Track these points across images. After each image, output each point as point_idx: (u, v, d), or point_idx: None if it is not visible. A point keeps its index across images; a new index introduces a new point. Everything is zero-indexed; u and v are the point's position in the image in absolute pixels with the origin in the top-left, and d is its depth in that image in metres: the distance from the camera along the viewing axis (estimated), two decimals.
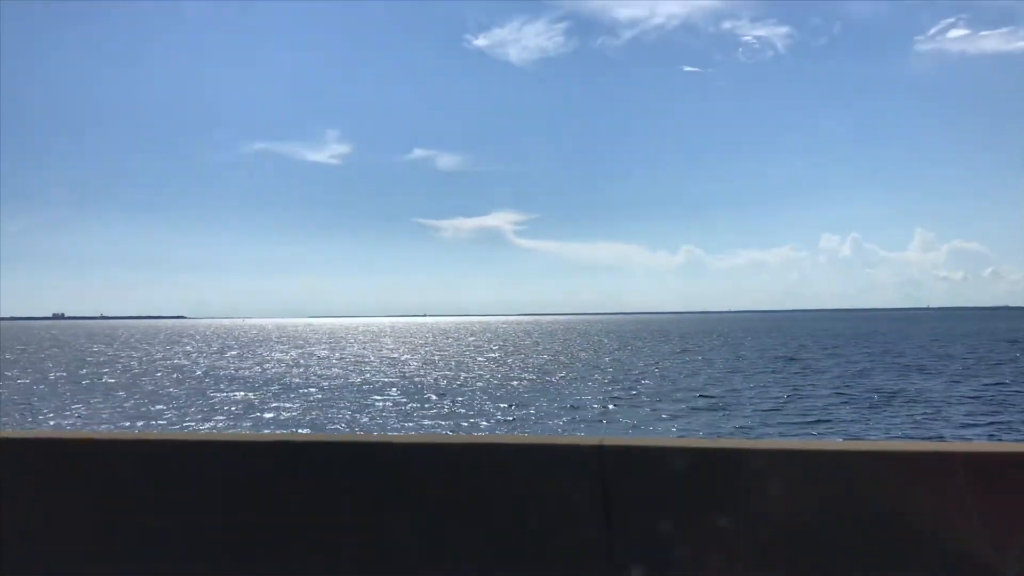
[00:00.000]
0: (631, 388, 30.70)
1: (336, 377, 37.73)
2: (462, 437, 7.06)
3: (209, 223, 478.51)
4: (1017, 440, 18.33)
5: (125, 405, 26.57)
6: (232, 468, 2.92)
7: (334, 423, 22.38)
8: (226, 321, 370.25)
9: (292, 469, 2.90)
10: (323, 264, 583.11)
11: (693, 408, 24.63)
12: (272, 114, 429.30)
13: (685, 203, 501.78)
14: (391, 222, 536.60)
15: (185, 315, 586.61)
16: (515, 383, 33.44)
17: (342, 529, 2.82)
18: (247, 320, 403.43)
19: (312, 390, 31.08)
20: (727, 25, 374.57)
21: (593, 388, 30.97)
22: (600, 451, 2.67)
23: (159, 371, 42.75)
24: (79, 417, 24.00)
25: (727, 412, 23.65)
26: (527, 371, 40.50)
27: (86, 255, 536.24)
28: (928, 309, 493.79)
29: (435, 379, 35.93)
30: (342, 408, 25.50)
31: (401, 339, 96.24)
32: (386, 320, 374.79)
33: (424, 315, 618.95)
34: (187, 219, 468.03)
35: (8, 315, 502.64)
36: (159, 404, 26.94)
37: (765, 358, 47.48)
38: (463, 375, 38.19)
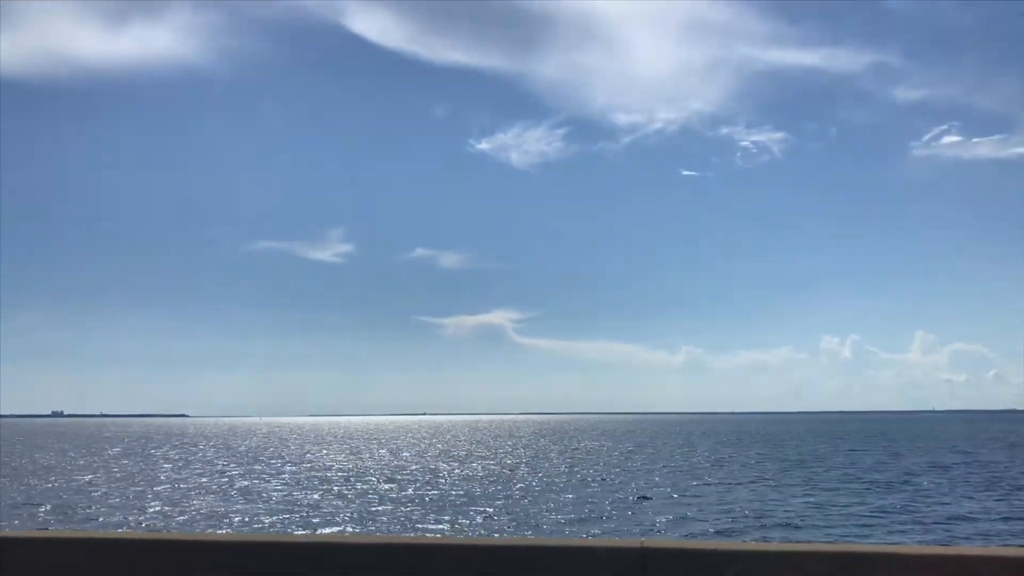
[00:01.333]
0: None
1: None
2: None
3: (211, 320, 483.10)
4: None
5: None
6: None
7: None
8: (229, 420, 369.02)
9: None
10: (324, 362, 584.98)
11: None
12: (276, 213, 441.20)
13: (684, 303, 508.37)
14: (393, 320, 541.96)
15: (187, 413, 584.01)
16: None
17: None
18: (261, 419, 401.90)
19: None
20: (724, 131, 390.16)
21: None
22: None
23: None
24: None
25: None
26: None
27: (86, 352, 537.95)
28: (935, 412, 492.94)
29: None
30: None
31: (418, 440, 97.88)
32: (385, 419, 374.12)
33: (424, 413, 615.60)
34: (189, 316, 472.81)
35: (6, 412, 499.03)
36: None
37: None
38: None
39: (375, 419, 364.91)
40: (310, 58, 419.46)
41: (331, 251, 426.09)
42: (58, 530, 14.68)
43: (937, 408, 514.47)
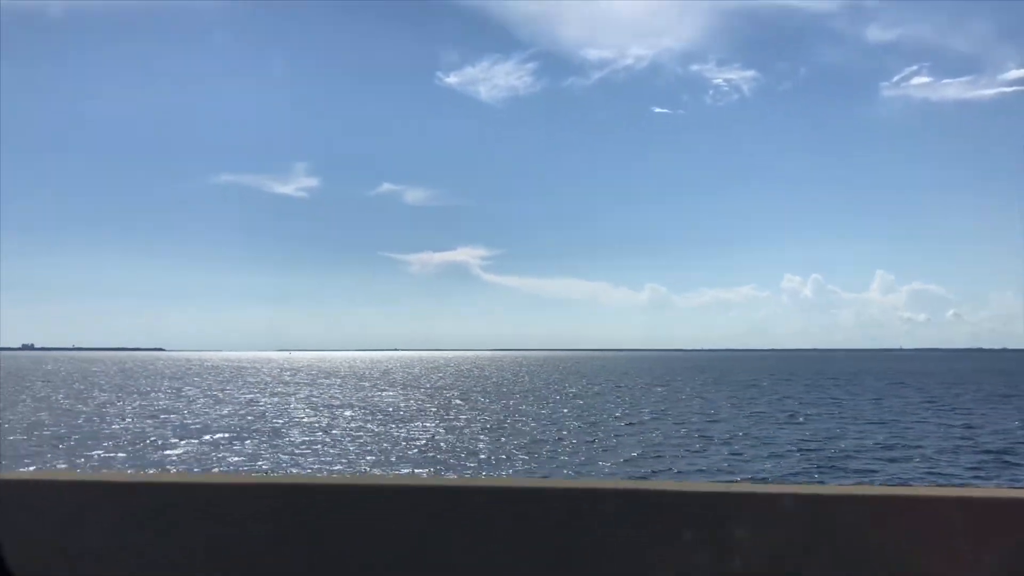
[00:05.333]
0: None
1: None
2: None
3: (180, 254, 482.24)
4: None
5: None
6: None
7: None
8: (207, 354, 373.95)
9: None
10: (293, 296, 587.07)
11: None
12: (240, 146, 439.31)
13: (650, 241, 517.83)
14: (358, 255, 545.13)
15: (163, 347, 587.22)
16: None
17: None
18: (291, 354, 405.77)
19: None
20: (695, 68, 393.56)
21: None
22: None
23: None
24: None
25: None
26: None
27: (56, 284, 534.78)
28: (901, 350, 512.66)
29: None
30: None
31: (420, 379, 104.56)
32: (364, 354, 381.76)
33: (396, 349, 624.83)
34: (157, 249, 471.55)
35: None
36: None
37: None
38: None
39: (352, 355, 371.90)
40: None
41: (295, 185, 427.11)
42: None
43: (905, 347, 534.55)
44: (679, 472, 21.70)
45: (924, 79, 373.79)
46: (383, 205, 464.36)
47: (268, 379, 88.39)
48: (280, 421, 36.78)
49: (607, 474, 21.49)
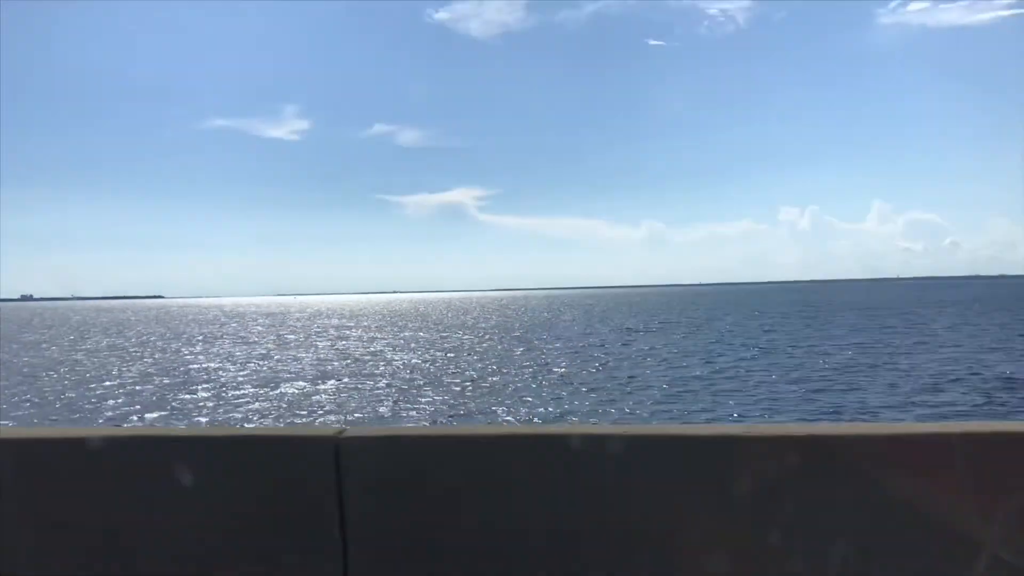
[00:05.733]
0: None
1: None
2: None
3: (173, 201, 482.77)
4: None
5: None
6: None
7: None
8: (207, 300, 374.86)
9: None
10: (288, 240, 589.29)
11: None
12: (230, 90, 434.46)
13: (646, 177, 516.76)
14: (353, 198, 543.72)
15: (162, 294, 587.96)
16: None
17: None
18: (296, 298, 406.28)
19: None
20: None
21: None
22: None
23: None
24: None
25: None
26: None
27: (52, 235, 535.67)
28: (899, 279, 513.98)
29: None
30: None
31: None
32: (363, 298, 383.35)
33: (395, 292, 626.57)
34: (151, 197, 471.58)
35: None
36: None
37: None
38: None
39: (356, 298, 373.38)
40: None
41: (287, 128, 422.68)
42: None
43: (903, 276, 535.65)
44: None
45: (921, 4, 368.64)
46: (376, 147, 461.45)
47: (335, 324, 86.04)
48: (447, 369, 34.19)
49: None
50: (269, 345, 50.60)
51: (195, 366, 37.55)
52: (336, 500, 2.69)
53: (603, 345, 44.93)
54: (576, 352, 40.68)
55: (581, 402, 23.57)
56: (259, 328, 76.37)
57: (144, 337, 63.16)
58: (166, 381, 30.97)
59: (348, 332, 65.44)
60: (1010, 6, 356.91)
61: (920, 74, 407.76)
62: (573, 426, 12.40)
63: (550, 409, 22.59)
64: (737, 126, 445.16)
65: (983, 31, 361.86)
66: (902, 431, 2.59)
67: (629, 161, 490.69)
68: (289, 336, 60.54)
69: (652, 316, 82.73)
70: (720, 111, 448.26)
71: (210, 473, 2.78)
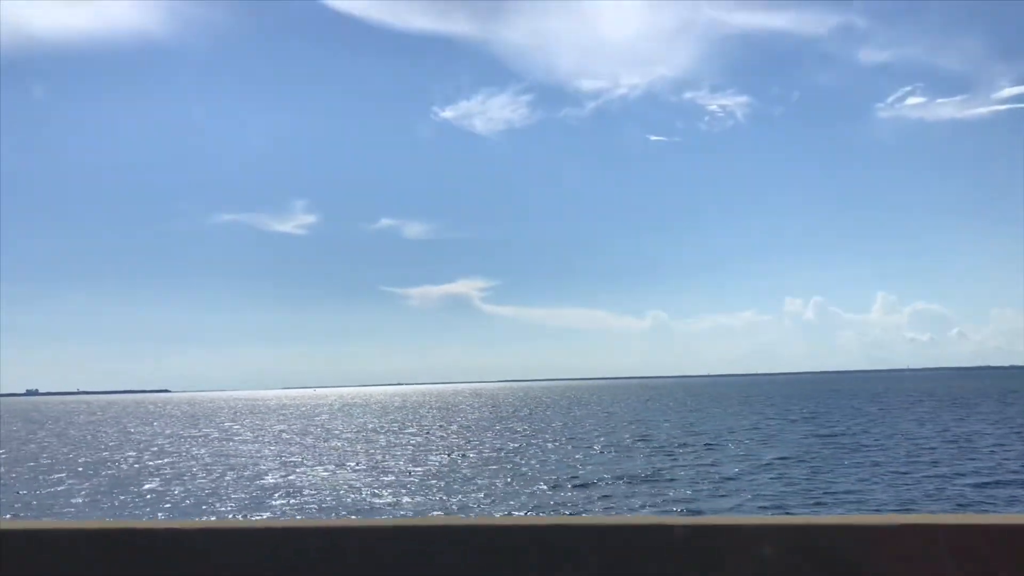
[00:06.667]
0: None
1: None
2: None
3: (181, 295, 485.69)
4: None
5: None
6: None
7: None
8: (215, 394, 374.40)
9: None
10: (294, 333, 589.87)
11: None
12: (238, 185, 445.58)
13: (650, 268, 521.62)
14: (359, 290, 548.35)
15: (168, 388, 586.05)
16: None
17: None
18: (315, 390, 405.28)
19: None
20: (688, 95, 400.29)
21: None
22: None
23: None
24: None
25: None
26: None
27: (58, 329, 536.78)
28: (908, 370, 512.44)
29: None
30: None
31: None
32: (367, 390, 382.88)
33: (400, 383, 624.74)
34: (157, 291, 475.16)
35: None
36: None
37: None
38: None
39: (361, 390, 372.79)
40: (272, 26, 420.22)
41: (294, 223, 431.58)
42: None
43: (912, 367, 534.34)
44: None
45: (918, 99, 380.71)
46: (382, 240, 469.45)
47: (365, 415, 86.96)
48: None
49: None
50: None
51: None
52: None
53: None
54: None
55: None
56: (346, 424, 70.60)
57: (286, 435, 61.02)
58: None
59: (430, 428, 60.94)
60: (1006, 100, 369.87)
61: (919, 167, 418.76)
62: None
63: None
64: (739, 218, 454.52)
65: (980, 124, 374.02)
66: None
67: (632, 252, 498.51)
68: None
69: (787, 408, 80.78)
70: (722, 203, 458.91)
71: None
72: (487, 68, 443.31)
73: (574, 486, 25.77)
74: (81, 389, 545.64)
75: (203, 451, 42.47)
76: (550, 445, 40.35)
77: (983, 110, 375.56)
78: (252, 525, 3.00)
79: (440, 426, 60.77)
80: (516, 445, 40.50)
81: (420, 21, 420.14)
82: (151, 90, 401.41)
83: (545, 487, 25.58)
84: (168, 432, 61.80)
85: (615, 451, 36.18)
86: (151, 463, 36.77)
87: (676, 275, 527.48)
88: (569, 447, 38.47)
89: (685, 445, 37.84)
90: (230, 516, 21.75)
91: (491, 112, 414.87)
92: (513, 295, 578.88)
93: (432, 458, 35.20)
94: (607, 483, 26.02)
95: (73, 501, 25.35)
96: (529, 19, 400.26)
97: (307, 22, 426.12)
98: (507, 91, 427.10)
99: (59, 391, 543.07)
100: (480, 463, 32.62)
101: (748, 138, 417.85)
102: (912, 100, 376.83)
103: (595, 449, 37.56)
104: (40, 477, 31.82)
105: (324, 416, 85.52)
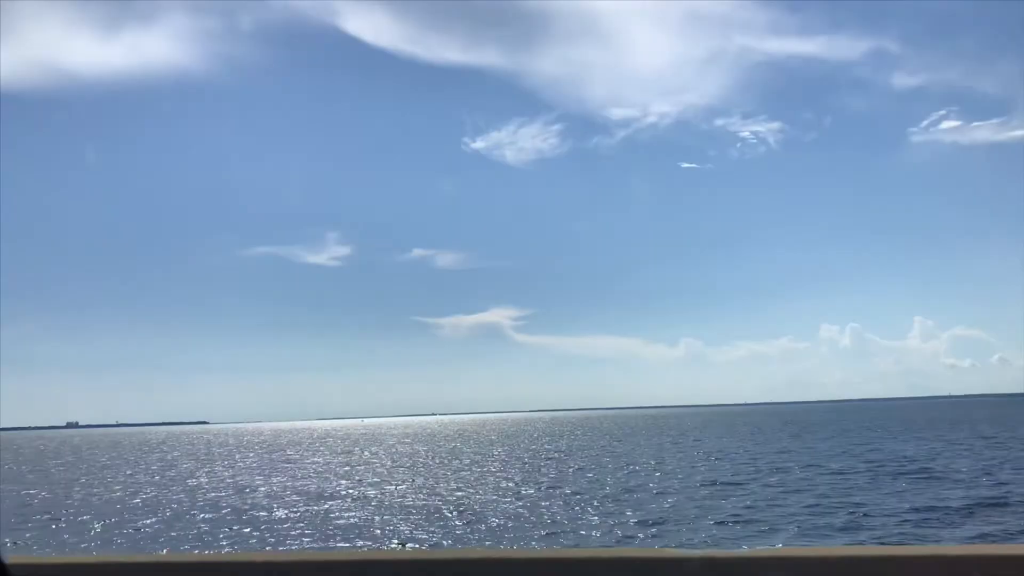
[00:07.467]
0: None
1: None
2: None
3: (216, 327, 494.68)
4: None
5: None
6: None
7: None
8: (253, 425, 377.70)
9: None
10: (328, 364, 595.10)
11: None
12: (273, 218, 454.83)
13: (683, 296, 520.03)
14: (391, 321, 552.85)
15: (206, 420, 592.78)
16: None
17: None
18: (363, 421, 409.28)
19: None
20: (719, 122, 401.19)
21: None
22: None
23: None
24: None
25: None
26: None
27: (96, 361, 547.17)
28: (950, 397, 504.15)
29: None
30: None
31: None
32: (408, 420, 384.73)
33: (433, 414, 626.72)
34: (194, 323, 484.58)
35: (17, 424, 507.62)
36: None
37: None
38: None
39: (403, 420, 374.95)
40: (304, 60, 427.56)
41: (328, 255, 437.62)
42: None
43: (953, 393, 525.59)
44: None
45: (953, 123, 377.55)
46: (414, 270, 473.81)
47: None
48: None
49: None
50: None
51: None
52: None
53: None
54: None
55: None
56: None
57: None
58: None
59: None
60: None
61: (955, 191, 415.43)
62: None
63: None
64: (773, 244, 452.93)
65: (1016, 148, 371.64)
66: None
67: (665, 280, 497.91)
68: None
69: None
70: (755, 229, 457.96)
71: None
72: (517, 99, 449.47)
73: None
74: (120, 421, 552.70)
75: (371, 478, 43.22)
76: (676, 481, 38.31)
77: (1020, 132, 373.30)
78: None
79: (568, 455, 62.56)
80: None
81: (450, 54, 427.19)
82: (185, 125, 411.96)
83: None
84: (317, 461, 62.37)
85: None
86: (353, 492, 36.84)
87: (709, 302, 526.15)
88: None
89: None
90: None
91: (522, 142, 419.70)
92: (545, 324, 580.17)
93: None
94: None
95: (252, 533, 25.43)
96: (559, 49, 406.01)
97: (339, 57, 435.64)
98: (537, 121, 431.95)
99: (98, 423, 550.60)
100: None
101: (781, 164, 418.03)
102: (947, 124, 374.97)
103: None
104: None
105: (455, 443, 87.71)
